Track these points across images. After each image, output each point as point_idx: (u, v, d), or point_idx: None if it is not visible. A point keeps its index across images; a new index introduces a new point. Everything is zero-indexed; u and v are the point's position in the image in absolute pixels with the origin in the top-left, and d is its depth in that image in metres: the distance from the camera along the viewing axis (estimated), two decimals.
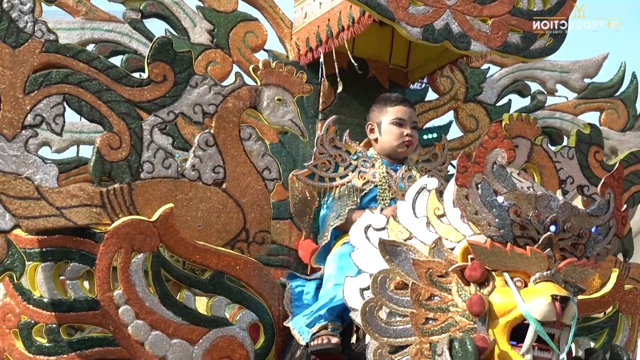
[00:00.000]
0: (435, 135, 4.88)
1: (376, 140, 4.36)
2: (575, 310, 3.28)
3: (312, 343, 3.70)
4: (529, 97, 5.42)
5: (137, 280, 3.64)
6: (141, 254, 3.65)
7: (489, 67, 5.27)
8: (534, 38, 4.39)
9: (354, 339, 3.76)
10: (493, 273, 3.33)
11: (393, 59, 4.89)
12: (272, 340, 3.86)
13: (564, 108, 5.43)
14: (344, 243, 4.00)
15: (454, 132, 5.18)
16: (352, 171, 4.27)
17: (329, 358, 3.71)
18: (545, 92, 5.46)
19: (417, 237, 3.55)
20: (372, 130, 4.39)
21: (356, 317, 3.56)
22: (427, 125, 5.07)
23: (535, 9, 4.43)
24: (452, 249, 3.45)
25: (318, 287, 4.01)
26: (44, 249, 3.61)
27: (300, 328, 3.81)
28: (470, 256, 3.35)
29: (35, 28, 3.66)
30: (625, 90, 5.54)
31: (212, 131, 3.89)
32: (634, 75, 5.58)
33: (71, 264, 3.62)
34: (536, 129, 4.71)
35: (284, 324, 3.87)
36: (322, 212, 4.21)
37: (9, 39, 3.63)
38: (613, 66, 5.63)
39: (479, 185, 3.38)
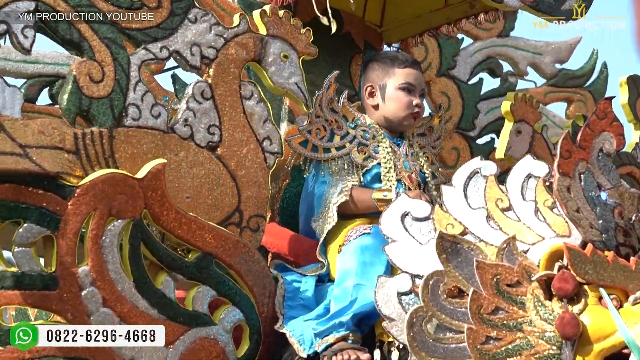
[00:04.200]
0: None
1: (376, 106, 3.68)
2: None
3: (334, 359, 2.92)
4: (499, 77, 4.97)
5: (110, 256, 2.75)
6: (119, 221, 2.77)
7: (462, 38, 4.75)
8: None
9: (377, 356, 3.00)
10: (585, 287, 2.70)
11: (367, 15, 4.24)
12: (257, 348, 3.06)
13: (534, 94, 4.96)
14: (364, 234, 3.28)
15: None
16: (350, 142, 3.57)
17: None
18: (516, 74, 5.02)
19: (474, 233, 2.86)
20: (371, 94, 3.70)
21: (392, 328, 2.84)
22: None
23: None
24: (525, 252, 2.80)
25: (317, 285, 3.26)
26: None
27: (301, 336, 3.04)
28: (558, 264, 2.69)
29: None
30: (594, 82, 5.19)
31: (209, 80, 3.08)
32: (604, 65, 5.24)
33: (24, 225, 2.66)
34: (538, 114, 4.17)
35: (276, 328, 3.08)
36: (317, 188, 3.47)
37: None
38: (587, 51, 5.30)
39: (582, 176, 2.76)
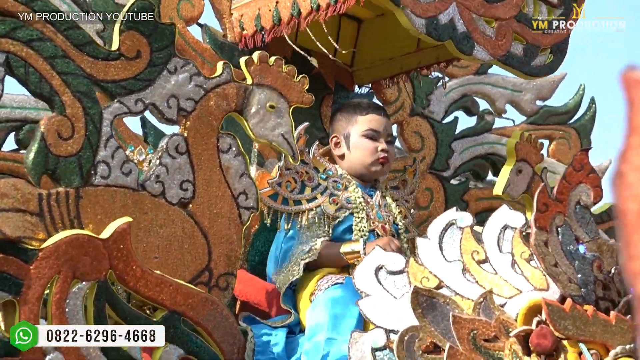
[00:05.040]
0: None
1: (342, 156, 3.64)
2: None
3: None
4: (475, 116, 4.87)
5: (74, 320, 2.67)
6: (84, 283, 2.69)
7: (437, 76, 4.64)
8: (536, 51, 3.81)
9: None
10: (565, 342, 2.62)
11: (338, 55, 4.16)
12: None
13: (512, 133, 4.87)
14: (335, 284, 3.22)
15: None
16: (322, 194, 3.53)
17: None
18: (494, 112, 4.90)
19: (450, 286, 2.82)
20: (337, 145, 3.66)
21: None
22: None
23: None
24: (502, 306, 2.74)
25: (287, 337, 3.21)
26: None
27: None
28: (537, 319, 2.64)
29: None
30: (581, 118, 5.04)
31: (185, 134, 2.99)
32: (592, 101, 5.09)
33: None
34: (541, 156, 4.09)
35: None
36: (285, 243, 3.42)
37: None
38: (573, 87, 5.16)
39: (560, 230, 2.70)
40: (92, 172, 2.79)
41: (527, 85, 5.01)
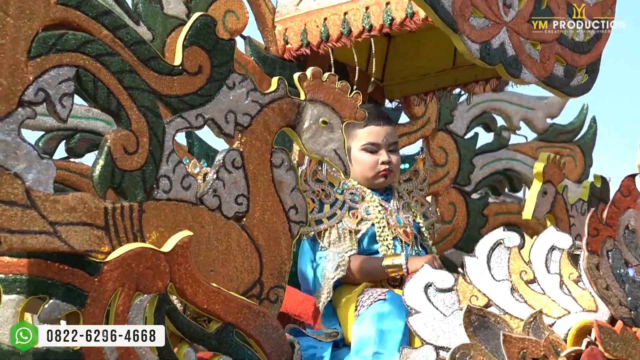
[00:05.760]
0: (407, 166, 4.23)
1: None
2: None
3: None
4: (493, 132, 4.98)
5: None
6: (145, 295, 2.74)
7: (460, 92, 4.73)
8: (574, 72, 3.89)
9: None
10: None
11: (370, 69, 4.23)
12: None
13: (525, 150, 5.08)
14: (379, 300, 3.28)
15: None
16: (340, 209, 3.57)
17: None
18: (509, 129, 5.03)
19: (499, 305, 2.93)
20: None
21: None
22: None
23: (577, 39, 3.91)
24: (550, 326, 2.84)
25: (333, 350, 3.28)
26: (12, 276, 2.58)
27: None
28: (587, 339, 2.76)
29: None
30: (583, 136, 5.21)
31: (240, 149, 3.03)
32: (593, 120, 5.29)
33: (50, 301, 2.61)
34: (563, 176, 4.21)
35: None
36: (315, 263, 3.49)
37: None
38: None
39: (610, 253, 2.81)
40: (155, 186, 2.83)
41: (539, 102, 5.16)
